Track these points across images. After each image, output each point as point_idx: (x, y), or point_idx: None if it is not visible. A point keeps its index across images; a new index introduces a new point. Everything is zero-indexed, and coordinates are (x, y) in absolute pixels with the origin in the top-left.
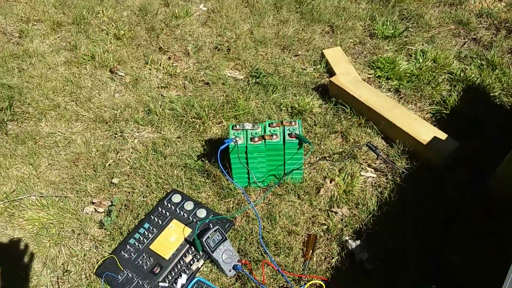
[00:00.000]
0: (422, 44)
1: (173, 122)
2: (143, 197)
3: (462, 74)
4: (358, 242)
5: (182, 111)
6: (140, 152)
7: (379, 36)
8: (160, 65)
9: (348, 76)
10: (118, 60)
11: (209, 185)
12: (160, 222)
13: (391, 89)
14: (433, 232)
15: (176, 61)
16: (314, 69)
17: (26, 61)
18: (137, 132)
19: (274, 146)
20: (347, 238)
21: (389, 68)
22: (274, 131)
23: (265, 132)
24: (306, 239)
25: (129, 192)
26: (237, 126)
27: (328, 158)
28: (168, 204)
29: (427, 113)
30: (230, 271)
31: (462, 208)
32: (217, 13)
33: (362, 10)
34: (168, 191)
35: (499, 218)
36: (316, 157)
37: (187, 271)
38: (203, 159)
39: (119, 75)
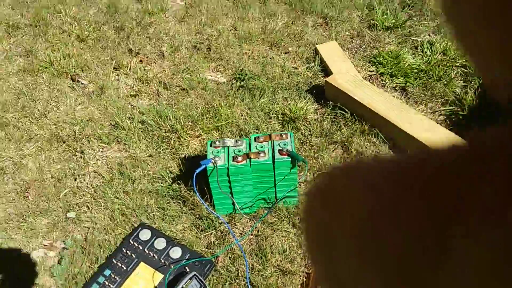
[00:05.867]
0: (429, 35)
1: (144, 137)
2: (105, 234)
3: None
4: None
5: (154, 124)
6: (104, 177)
7: (379, 27)
8: (129, 70)
9: (347, 75)
10: (81, 65)
11: (186, 215)
12: (125, 267)
13: (396, 88)
14: None
15: (148, 64)
16: (307, 68)
17: None
18: (101, 152)
19: (262, 167)
20: None
21: (393, 64)
22: (262, 147)
23: (250, 149)
24: (305, 279)
25: (88, 229)
26: (217, 143)
27: None
28: (135, 243)
29: (440, 115)
30: None
31: None
32: (195, 7)
33: None
34: (136, 225)
35: None
36: (313, 174)
37: None
38: (178, 182)
39: (81, 83)
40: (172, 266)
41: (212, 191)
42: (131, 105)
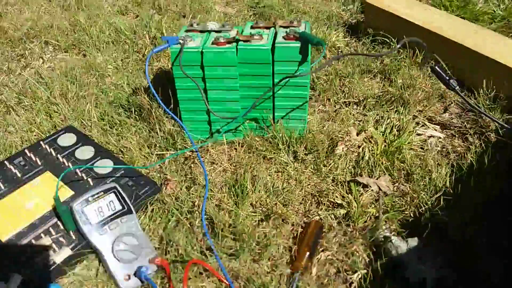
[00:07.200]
0: None
1: (113, 46)
2: (14, 136)
3: None
4: (414, 241)
5: (129, 33)
6: (43, 78)
7: None
8: None
9: None
10: None
11: (137, 128)
12: (19, 175)
13: None
14: None
15: None
16: (343, 10)
17: None
18: (51, 55)
19: (255, 54)
20: (387, 233)
21: (459, 6)
22: (259, 32)
23: (242, 33)
24: (301, 230)
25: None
26: (194, 25)
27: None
28: (48, 146)
29: None
30: (127, 279)
31: None
32: None
33: None
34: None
35: None
36: (336, 104)
37: (32, 266)
38: (141, 93)
39: None
40: (91, 182)
41: (178, 93)
42: (112, 21)
